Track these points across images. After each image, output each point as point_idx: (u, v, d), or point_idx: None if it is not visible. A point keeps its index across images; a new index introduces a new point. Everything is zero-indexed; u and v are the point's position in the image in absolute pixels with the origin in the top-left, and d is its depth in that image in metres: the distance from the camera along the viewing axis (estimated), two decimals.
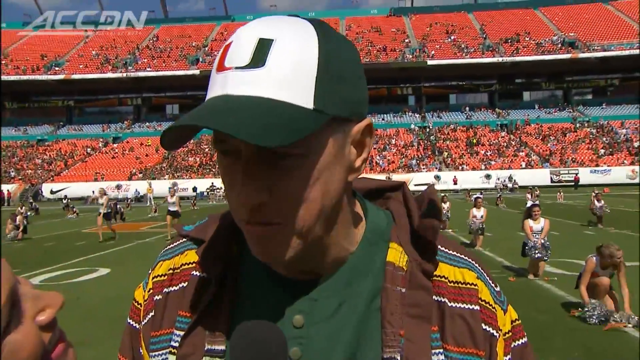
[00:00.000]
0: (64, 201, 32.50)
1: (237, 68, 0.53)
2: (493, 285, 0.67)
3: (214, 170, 45.68)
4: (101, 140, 54.14)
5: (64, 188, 42.63)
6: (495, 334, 0.63)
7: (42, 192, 44.07)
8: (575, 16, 59.18)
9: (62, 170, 47.49)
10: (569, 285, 6.61)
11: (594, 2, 61.62)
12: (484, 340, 0.62)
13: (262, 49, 0.53)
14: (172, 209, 14.62)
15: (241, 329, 0.56)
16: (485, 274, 0.67)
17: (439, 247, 0.65)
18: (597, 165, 41.17)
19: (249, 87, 0.52)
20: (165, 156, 49.68)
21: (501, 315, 0.66)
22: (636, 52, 50.45)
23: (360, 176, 0.64)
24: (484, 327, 0.63)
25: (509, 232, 12.95)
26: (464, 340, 0.61)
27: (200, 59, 58.03)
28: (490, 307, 0.64)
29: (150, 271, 0.72)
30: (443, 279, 0.64)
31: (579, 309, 5.78)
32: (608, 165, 41.10)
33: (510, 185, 38.62)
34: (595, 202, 15.42)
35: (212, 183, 41.77)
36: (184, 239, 0.72)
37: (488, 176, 40.74)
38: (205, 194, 40.58)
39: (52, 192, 43.78)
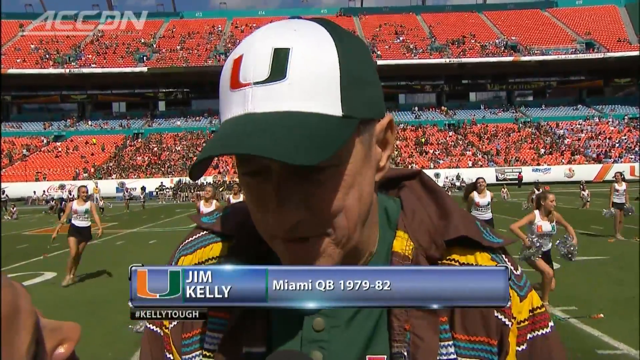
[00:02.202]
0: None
1: (256, 83, 0.50)
2: (512, 268, 0.61)
3: (162, 169, 44.66)
4: (43, 138, 51.77)
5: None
6: (507, 322, 0.60)
7: None
8: (516, 21, 61.59)
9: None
10: None
11: (533, 8, 64.40)
12: (496, 329, 0.59)
13: (280, 59, 0.50)
14: (79, 224, 8.40)
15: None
16: (502, 255, 0.63)
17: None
18: (538, 164, 43.22)
19: (274, 102, 0.50)
20: (112, 155, 48.13)
21: (516, 302, 0.61)
22: (571, 57, 53.55)
23: None
24: (496, 314, 0.59)
25: None
26: (475, 329, 0.58)
27: (147, 57, 56.50)
28: None
29: None
30: (453, 262, 0.61)
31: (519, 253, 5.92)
32: (548, 164, 43.24)
33: (458, 183, 39.77)
34: None
35: (162, 182, 40.90)
36: (203, 232, 0.69)
37: (437, 175, 41.78)
38: (154, 193, 39.67)
39: None
